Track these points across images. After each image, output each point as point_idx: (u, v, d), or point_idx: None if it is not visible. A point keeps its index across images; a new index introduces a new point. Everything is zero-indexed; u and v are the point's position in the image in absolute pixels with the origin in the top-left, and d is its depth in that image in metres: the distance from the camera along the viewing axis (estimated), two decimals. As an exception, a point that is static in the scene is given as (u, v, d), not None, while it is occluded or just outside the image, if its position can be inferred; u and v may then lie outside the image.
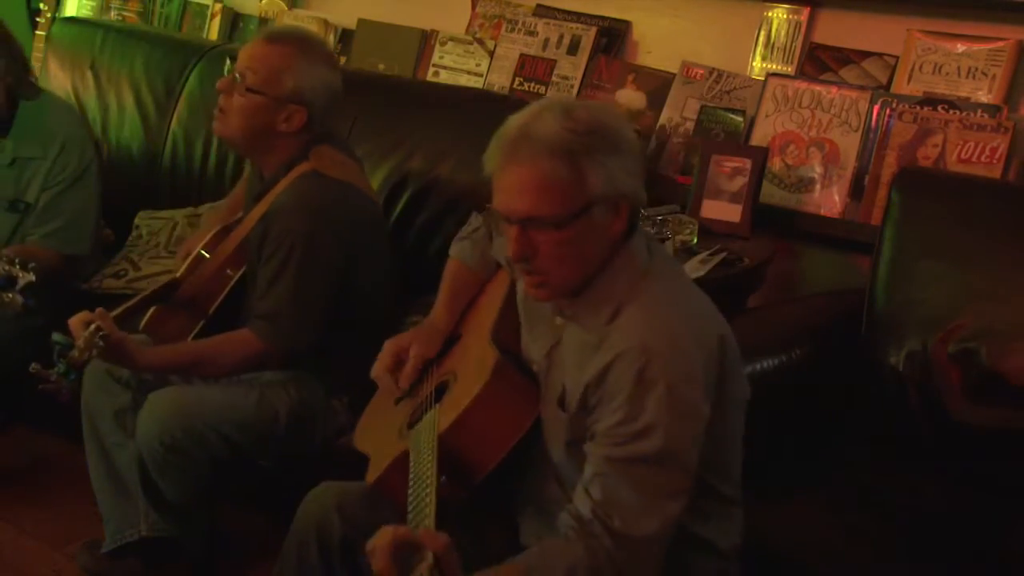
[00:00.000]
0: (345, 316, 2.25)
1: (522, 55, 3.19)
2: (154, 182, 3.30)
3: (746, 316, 2.51)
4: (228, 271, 2.30)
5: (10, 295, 2.13)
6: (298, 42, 2.26)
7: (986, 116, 2.54)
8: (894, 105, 2.64)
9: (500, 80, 3.22)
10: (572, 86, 3.09)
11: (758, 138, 2.81)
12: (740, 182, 2.67)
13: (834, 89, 2.74)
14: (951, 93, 2.63)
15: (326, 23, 3.56)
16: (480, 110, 2.71)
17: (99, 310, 2.03)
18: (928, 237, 2.32)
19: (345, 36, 3.55)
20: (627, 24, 3.12)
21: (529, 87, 3.15)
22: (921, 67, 2.68)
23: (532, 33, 3.20)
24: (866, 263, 2.43)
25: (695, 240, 2.51)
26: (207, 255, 2.37)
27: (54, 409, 2.20)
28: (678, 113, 2.94)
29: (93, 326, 1.98)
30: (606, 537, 1.44)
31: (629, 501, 1.44)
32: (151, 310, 2.35)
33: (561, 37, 3.15)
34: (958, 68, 2.63)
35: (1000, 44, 2.59)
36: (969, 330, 2.16)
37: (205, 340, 2.26)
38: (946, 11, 2.66)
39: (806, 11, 2.85)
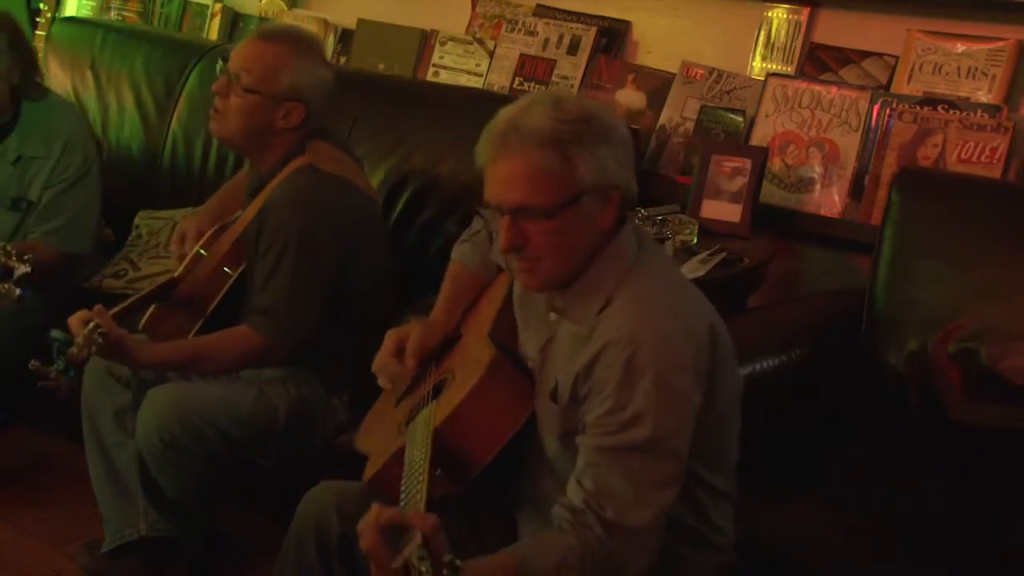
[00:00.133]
0: (345, 314, 2.25)
1: (522, 55, 3.20)
2: (154, 182, 3.30)
3: (746, 316, 2.51)
4: (225, 269, 2.30)
5: (6, 286, 2.14)
6: (291, 39, 2.27)
7: (986, 116, 2.54)
8: (894, 105, 2.64)
9: (500, 80, 3.22)
10: (572, 86, 3.09)
11: (758, 138, 2.81)
12: (740, 182, 2.67)
13: (834, 89, 2.74)
14: (951, 93, 2.63)
15: (326, 23, 3.57)
16: (480, 110, 2.67)
17: (97, 307, 2.03)
18: (928, 237, 2.32)
19: (345, 36, 3.55)
20: (627, 24, 3.12)
21: (529, 87, 3.15)
22: (921, 67, 2.68)
23: (532, 33, 3.21)
24: (866, 263, 2.43)
25: (695, 240, 2.51)
26: (205, 253, 2.37)
27: (54, 409, 2.20)
28: (678, 113, 2.94)
29: (92, 324, 1.99)
30: (598, 527, 1.45)
31: (621, 491, 1.45)
32: (150, 309, 2.35)
33: (561, 37, 3.15)
34: (958, 68, 2.63)
35: (1000, 44, 2.59)
36: (969, 330, 2.16)
37: (204, 336, 2.26)
38: (946, 11, 2.66)
39: (806, 11, 2.85)
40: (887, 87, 2.72)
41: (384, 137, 2.91)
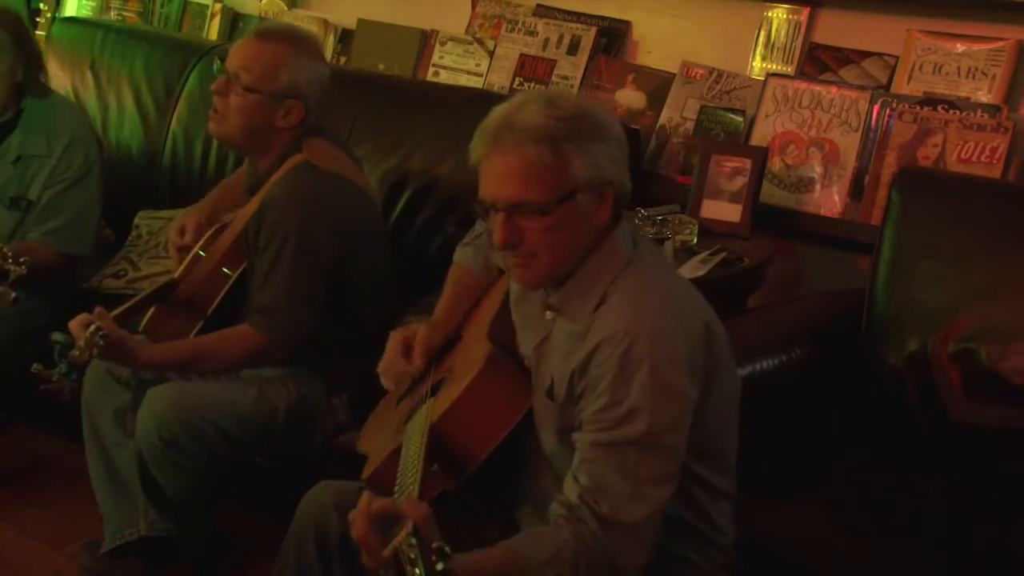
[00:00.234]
0: (345, 312, 2.26)
1: (522, 55, 3.20)
2: (154, 182, 3.30)
3: (746, 316, 2.51)
4: (224, 269, 2.29)
5: (1, 288, 2.14)
6: (289, 38, 2.28)
7: (986, 116, 2.54)
8: (894, 105, 2.64)
9: (500, 80, 3.22)
10: (572, 86, 3.09)
11: (758, 138, 2.81)
12: (740, 182, 2.67)
13: (834, 89, 2.74)
14: (951, 93, 2.63)
15: (326, 23, 3.57)
16: (480, 110, 2.69)
17: (98, 309, 2.03)
18: (928, 237, 2.32)
19: (345, 36, 3.55)
20: (627, 24, 3.12)
21: (529, 87, 3.15)
22: (921, 67, 2.68)
23: (532, 33, 3.21)
24: (866, 263, 2.43)
25: (695, 240, 2.51)
26: (204, 254, 2.37)
27: (54, 409, 2.20)
28: (678, 113, 2.94)
29: (93, 326, 1.99)
30: (593, 522, 1.45)
31: (616, 486, 1.45)
32: (150, 311, 2.35)
33: (561, 37, 3.15)
34: (958, 68, 2.63)
35: (1000, 44, 2.59)
36: (969, 330, 2.16)
37: (205, 336, 2.26)
38: (946, 11, 2.66)
39: (806, 11, 2.85)
40: (887, 87, 2.72)
41: (384, 137, 2.91)
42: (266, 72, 2.22)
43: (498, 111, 1.55)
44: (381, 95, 3.07)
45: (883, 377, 2.27)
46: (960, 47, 2.64)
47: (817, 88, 2.76)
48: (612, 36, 3.12)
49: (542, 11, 3.24)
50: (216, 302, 2.30)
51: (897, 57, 2.72)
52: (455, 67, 3.29)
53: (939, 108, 2.60)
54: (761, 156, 2.68)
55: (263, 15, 3.73)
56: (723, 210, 2.67)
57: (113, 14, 3.98)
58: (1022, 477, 2.03)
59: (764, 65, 2.90)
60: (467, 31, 3.33)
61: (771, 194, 2.75)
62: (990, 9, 2.61)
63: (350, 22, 3.54)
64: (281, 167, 2.25)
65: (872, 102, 2.68)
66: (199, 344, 2.25)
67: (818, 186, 2.72)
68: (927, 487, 2.04)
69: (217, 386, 2.22)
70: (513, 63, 3.20)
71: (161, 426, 2.12)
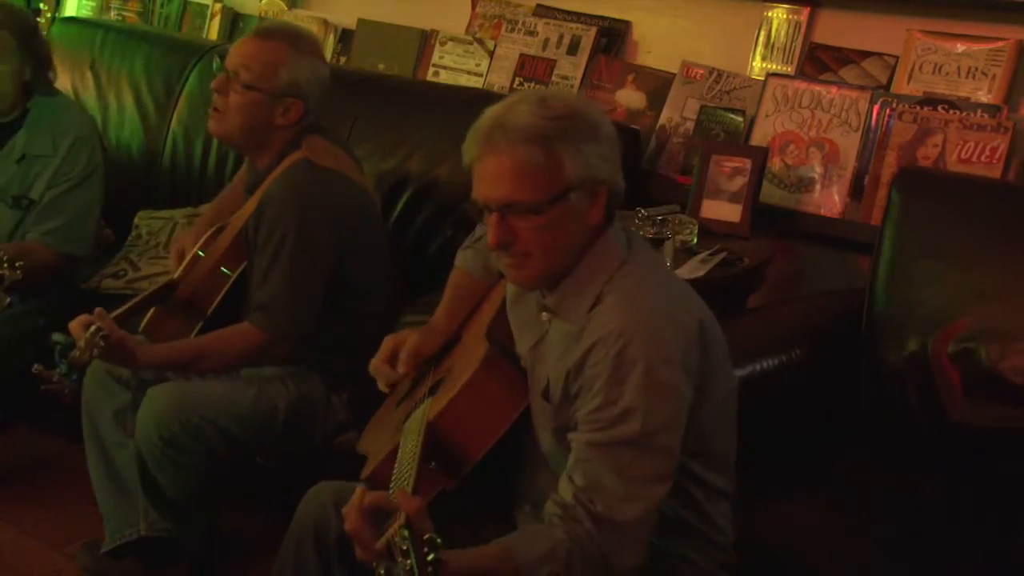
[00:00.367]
0: (344, 310, 2.26)
1: (522, 55, 3.20)
2: (154, 182, 3.30)
3: (746, 316, 2.51)
4: (223, 269, 2.30)
5: None
6: (288, 36, 2.29)
7: (986, 116, 2.54)
8: (894, 105, 2.64)
9: (500, 80, 3.22)
10: (572, 86, 3.09)
11: (758, 138, 2.81)
12: (740, 182, 2.67)
13: (834, 89, 2.74)
14: (951, 93, 2.63)
15: (326, 23, 3.57)
16: (480, 110, 2.71)
17: (98, 310, 2.03)
18: (928, 237, 2.32)
19: (345, 36, 3.55)
20: (627, 24, 3.12)
21: (529, 87, 3.15)
22: (921, 67, 2.68)
23: (532, 33, 3.21)
24: (866, 263, 2.43)
25: (695, 240, 2.51)
26: (203, 254, 2.37)
27: (54, 409, 2.20)
28: (678, 113, 2.94)
29: (94, 327, 1.99)
30: (588, 521, 1.45)
31: (611, 486, 1.45)
32: (150, 312, 2.35)
33: (561, 37, 3.15)
34: (958, 68, 2.63)
35: (1000, 44, 2.59)
36: (969, 330, 2.16)
37: (205, 335, 2.26)
38: (946, 11, 2.66)
39: (806, 11, 2.85)
40: (887, 87, 2.72)
41: (384, 137, 2.91)
42: (265, 70, 2.23)
43: (490, 112, 1.55)
44: (381, 95, 3.07)
45: (883, 377, 2.27)
46: (960, 47, 2.64)
47: (817, 88, 2.76)
48: (612, 36, 3.12)
49: (542, 11, 3.24)
50: (216, 302, 2.30)
51: (897, 57, 2.72)
52: (455, 67, 3.29)
53: (939, 108, 2.60)
54: (761, 156, 2.68)
55: (263, 15, 3.72)
56: (723, 210, 2.67)
57: (113, 14, 3.98)
58: (1022, 477, 2.03)
59: (764, 65, 2.90)
60: (467, 31, 3.33)
61: (771, 194, 2.75)
62: (990, 9, 2.60)
63: (350, 22, 3.54)
64: (280, 165, 2.25)
65: (872, 102, 2.68)
66: (199, 343, 2.25)
67: (818, 186, 2.72)
68: (927, 487, 2.04)
69: (217, 385, 2.22)
70: (513, 63, 3.20)
71: (161, 425, 2.12)
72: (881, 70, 2.75)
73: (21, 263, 2.14)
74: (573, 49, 3.13)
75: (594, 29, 3.11)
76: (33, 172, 2.67)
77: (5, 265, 2.11)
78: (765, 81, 2.83)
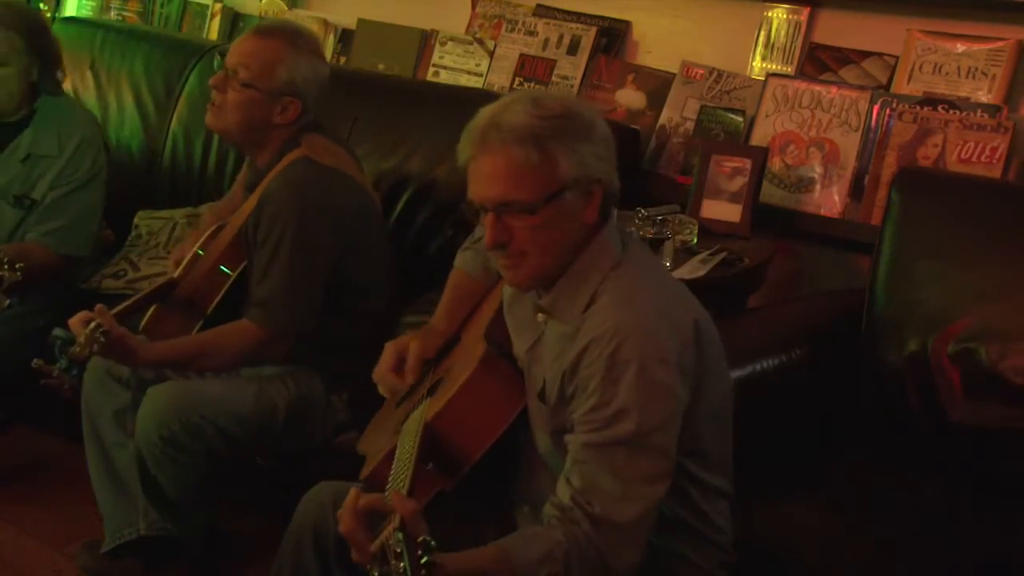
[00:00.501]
0: (344, 308, 2.26)
1: (522, 55, 3.20)
2: (154, 182, 3.30)
3: (746, 316, 2.51)
4: (223, 268, 2.30)
5: None
6: (287, 35, 2.29)
7: (986, 116, 2.54)
8: (894, 105, 2.64)
9: (500, 80, 3.22)
10: (572, 86, 3.09)
11: (758, 138, 2.81)
12: (740, 182, 2.67)
13: (834, 89, 2.74)
14: (951, 93, 2.63)
15: (326, 23, 3.57)
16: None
17: (99, 307, 2.04)
18: (928, 237, 2.32)
19: (345, 36, 3.55)
20: (627, 24, 3.12)
21: (529, 87, 3.15)
22: (921, 67, 2.67)
23: (532, 33, 3.21)
24: (866, 263, 2.43)
25: (695, 240, 2.51)
26: (203, 253, 2.37)
27: (54, 409, 2.20)
28: (678, 113, 2.94)
29: (94, 323, 1.99)
30: (586, 522, 1.45)
31: (608, 486, 1.45)
32: (150, 310, 2.35)
33: (561, 37, 3.15)
34: (958, 68, 2.63)
35: (1000, 44, 2.59)
36: (969, 330, 2.16)
37: (205, 332, 2.26)
38: (946, 11, 2.66)
39: (806, 11, 2.85)
40: (887, 87, 2.72)
41: (384, 137, 2.91)
42: (263, 69, 2.23)
43: (485, 112, 1.55)
44: (381, 95, 3.07)
45: (883, 377, 2.27)
46: (960, 47, 2.64)
47: (817, 88, 2.76)
48: (612, 36, 3.12)
49: (542, 11, 3.24)
50: (216, 301, 2.30)
51: (897, 57, 2.72)
52: (455, 67, 3.29)
53: (939, 108, 2.60)
54: (761, 156, 2.68)
55: (263, 15, 3.73)
56: (723, 210, 2.67)
57: (113, 14, 3.98)
58: (1022, 477, 2.03)
59: (764, 65, 2.90)
60: (467, 31, 3.33)
61: (771, 194, 2.75)
62: (990, 9, 2.60)
63: (350, 22, 3.54)
64: (280, 163, 2.26)
65: (872, 102, 2.68)
66: (198, 341, 2.25)
67: (818, 186, 2.72)
68: (927, 487, 2.04)
69: (217, 384, 2.22)
70: (513, 63, 3.20)
71: (161, 424, 2.12)
72: (881, 70, 2.75)
73: (21, 265, 2.14)
74: (573, 49, 3.13)
75: (594, 29, 3.11)
76: (37, 172, 2.67)
77: (5, 267, 2.11)
78: (765, 81, 2.83)
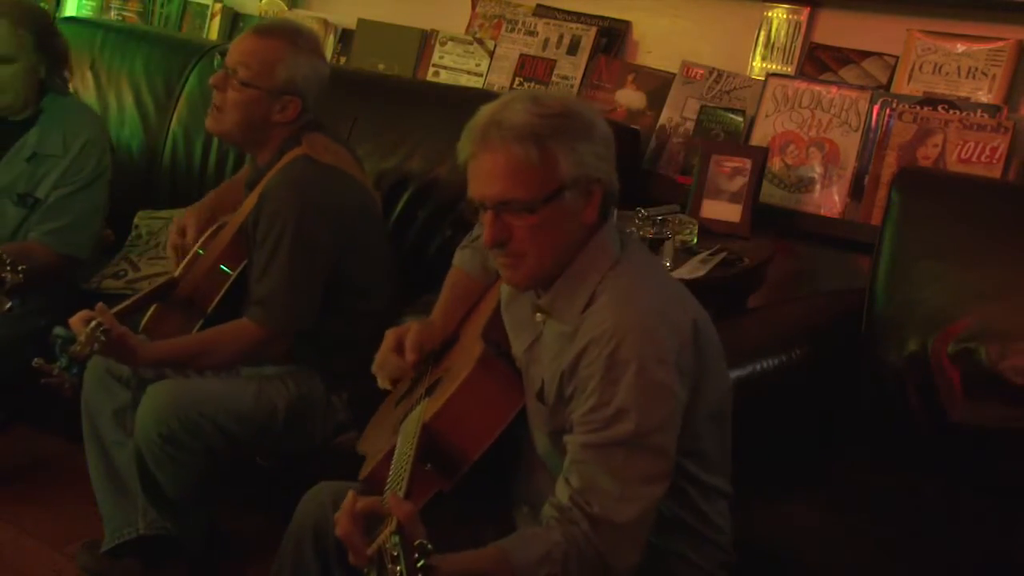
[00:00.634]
0: (343, 308, 2.26)
1: (522, 55, 3.20)
2: (154, 182, 3.30)
3: (746, 316, 2.51)
4: (223, 267, 2.30)
5: None
6: (287, 34, 2.29)
7: (986, 116, 2.54)
8: (894, 105, 2.64)
9: (500, 80, 3.22)
10: (572, 86, 3.09)
11: (758, 138, 2.81)
12: (740, 182, 2.67)
13: (834, 89, 2.74)
14: (951, 93, 2.63)
15: (326, 23, 3.57)
16: (480, 110, 2.72)
17: (99, 305, 2.04)
18: (928, 237, 2.32)
19: (345, 36, 3.55)
20: (627, 24, 3.12)
21: (529, 87, 3.15)
22: (921, 67, 2.67)
23: (532, 33, 3.21)
24: (866, 263, 2.43)
25: (695, 240, 2.51)
26: (203, 252, 2.37)
27: (54, 409, 2.20)
28: (678, 113, 2.94)
29: (94, 322, 1.99)
30: (585, 523, 1.45)
31: (607, 487, 1.45)
32: (150, 310, 2.35)
33: (561, 37, 3.15)
34: (958, 68, 2.63)
35: (1000, 44, 2.59)
36: (969, 330, 2.16)
37: (205, 332, 2.26)
38: (946, 11, 2.66)
39: (806, 11, 2.85)
40: (887, 87, 2.72)
41: (384, 137, 2.91)
42: (263, 68, 2.24)
43: (485, 110, 1.55)
44: (381, 95, 3.07)
45: (883, 377, 2.27)
46: (960, 47, 2.64)
47: (817, 88, 2.76)
48: (612, 36, 3.12)
49: (542, 11, 3.24)
50: (216, 300, 2.30)
51: (897, 57, 2.72)
52: (455, 67, 3.29)
53: (939, 108, 2.60)
54: (761, 156, 2.68)
55: (263, 15, 3.73)
56: (723, 210, 2.67)
57: (113, 14, 3.98)
58: (1022, 477, 2.03)
59: (764, 65, 2.90)
60: (467, 31, 3.33)
61: (771, 194, 2.75)
62: (990, 9, 2.60)
63: (350, 22, 3.54)
64: (280, 161, 2.26)
65: (872, 102, 2.68)
66: (198, 339, 2.25)
67: (818, 186, 2.72)
68: (927, 487, 2.04)
69: (217, 383, 2.23)
70: (513, 63, 3.20)
71: (160, 422, 2.12)
72: (881, 70, 2.75)
73: (23, 266, 2.14)
74: (573, 49, 3.13)
75: (594, 29, 3.11)
76: (41, 171, 2.67)
77: (8, 269, 2.12)
78: (765, 81, 2.83)
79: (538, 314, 1.63)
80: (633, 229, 2.33)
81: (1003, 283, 2.20)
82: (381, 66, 3.40)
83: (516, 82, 3.18)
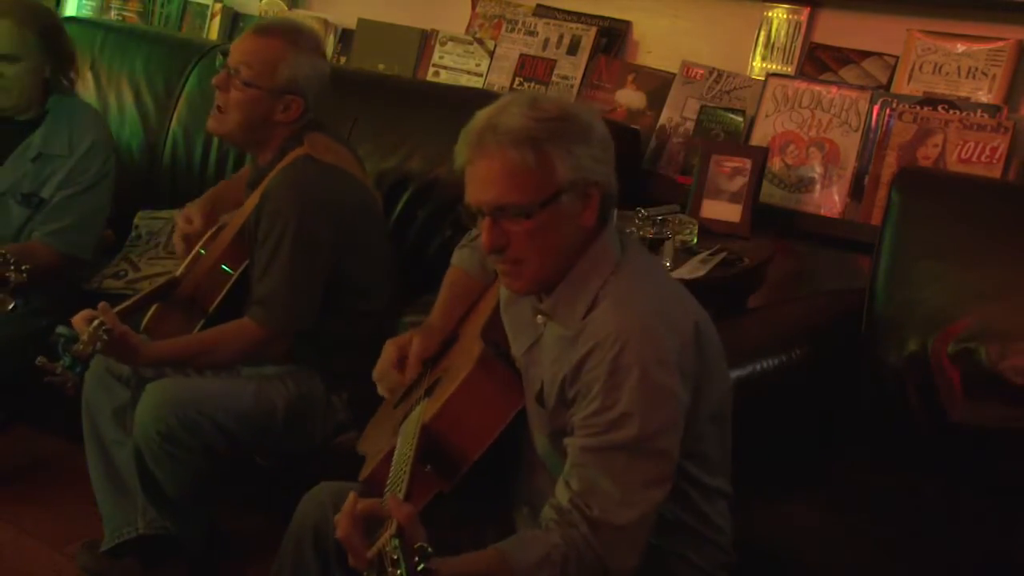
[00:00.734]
0: (344, 308, 2.26)
1: (522, 55, 3.19)
2: (154, 182, 3.30)
3: (746, 316, 2.51)
4: (225, 267, 2.30)
5: (0, 296, 2.14)
6: (288, 33, 2.29)
7: (986, 116, 2.54)
8: (894, 105, 2.64)
9: (500, 80, 3.22)
10: (572, 86, 3.09)
11: (758, 138, 2.81)
12: (740, 182, 2.67)
13: (834, 89, 2.74)
14: (951, 93, 2.63)
15: (326, 23, 3.57)
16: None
17: (102, 305, 2.04)
18: (928, 237, 2.32)
19: (345, 36, 3.55)
20: (627, 24, 3.12)
21: (529, 87, 3.15)
22: (921, 67, 2.68)
23: (532, 33, 3.21)
24: (866, 263, 2.43)
25: (695, 240, 2.51)
26: (204, 252, 2.37)
27: (54, 409, 2.20)
28: (678, 113, 2.94)
29: (97, 321, 2.00)
30: (584, 525, 1.45)
31: (608, 490, 1.45)
32: (151, 309, 2.35)
33: (561, 37, 3.15)
34: (958, 68, 2.63)
35: (1000, 44, 2.59)
36: (969, 330, 2.16)
37: (206, 331, 2.27)
38: (946, 11, 2.66)
39: (806, 11, 2.85)
40: (887, 87, 2.72)
41: (384, 137, 2.91)
42: (265, 67, 2.24)
43: (481, 114, 1.54)
44: (381, 95, 3.07)
45: (883, 377, 2.27)
46: (960, 47, 2.64)
47: (817, 88, 2.76)
48: (612, 36, 3.12)
49: (542, 11, 3.24)
50: (217, 300, 2.30)
51: (897, 57, 2.72)
52: (455, 67, 3.29)
53: (939, 108, 2.60)
54: (761, 156, 2.68)
55: (263, 15, 3.73)
56: (723, 210, 2.67)
57: (113, 14, 3.98)
58: (1022, 477, 2.03)
59: (764, 65, 2.90)
60: (467, 31, 3.33)
61: (771, 194, 2.75)
62: (990, 9, 2.60)
63: (350, 22, 3.54)
64: (281, 161, 2.26)
65: (872, 102, 2.68)
66: (199, 339, 2.25)
67: (818, 186, 2.72)
68: (927, 487, 2.04)
69: (216, 382, 2.23)
70: (513, 63, 3.20)
71: (158, 420, 2.12)
72: (881, 70, 2.75)
73: (27, 266, 2.14)
74: (573, 49, 3.13)
75: (594, 29, 3.11)
76: (46, 171, 2.67)
77: (12, 268, 2.12)
78: (765, 81, 2.83)
79: (539, 316, 1.63)
80: (633, 229, 2.34)
81: (1003, 283, 2.20)
82: (381, 66, 3.40)
83: (516, 82, 3.18)
